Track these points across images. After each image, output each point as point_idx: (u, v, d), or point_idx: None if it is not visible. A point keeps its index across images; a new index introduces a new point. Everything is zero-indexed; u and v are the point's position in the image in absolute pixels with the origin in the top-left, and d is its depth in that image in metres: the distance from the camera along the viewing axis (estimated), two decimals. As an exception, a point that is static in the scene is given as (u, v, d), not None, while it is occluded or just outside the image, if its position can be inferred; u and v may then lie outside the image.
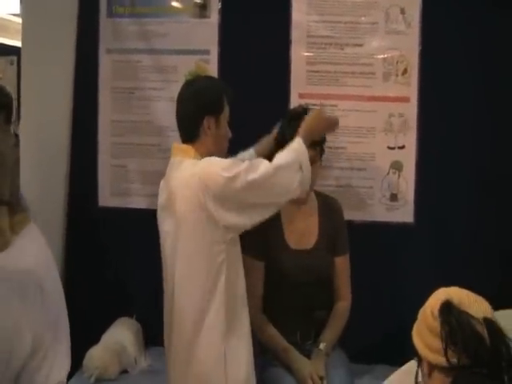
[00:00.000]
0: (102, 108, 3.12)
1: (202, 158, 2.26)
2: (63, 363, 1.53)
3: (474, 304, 1.43)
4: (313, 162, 2.43)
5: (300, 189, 2.25)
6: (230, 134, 2.40)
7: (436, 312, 1.44)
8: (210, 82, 2.46)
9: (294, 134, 2.37)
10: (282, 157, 2.26)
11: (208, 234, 2.19)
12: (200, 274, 2.21)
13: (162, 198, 2.37)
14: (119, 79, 3.10)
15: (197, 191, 2.18)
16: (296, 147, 2.28)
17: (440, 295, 1.48)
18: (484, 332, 1.35)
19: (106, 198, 3.13)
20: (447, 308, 1.43)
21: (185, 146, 2.32)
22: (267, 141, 2.66)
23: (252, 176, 2.17)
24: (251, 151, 2.64)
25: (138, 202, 3.10)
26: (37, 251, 1.58)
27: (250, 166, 2.19)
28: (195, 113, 2.30)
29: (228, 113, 2.37)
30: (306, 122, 2.39)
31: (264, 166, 2.21)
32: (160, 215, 2.37)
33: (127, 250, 3.06)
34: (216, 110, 2.33)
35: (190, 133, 2.32)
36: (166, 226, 2.32)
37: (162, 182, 2.41)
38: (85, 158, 3.12)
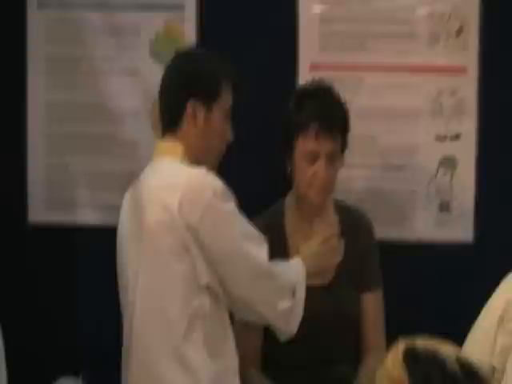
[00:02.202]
0: (31, 85, 2.95)
1: (189, 160, 2.22)
2: None
3: (440, 345, 1.43)
4: (331, 159, 2.37)
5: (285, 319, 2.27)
6: (228, 136, 2.30)
7: (399, 364, 1.42)
8: (207, 57, 2.38)
9: (304, 123, 2.36)
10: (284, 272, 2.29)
11: (184, 266, 2.12)
12: (169, 321, 2.13)
13: (125, 216, 2.31)
14: (57, 45, 2.94)
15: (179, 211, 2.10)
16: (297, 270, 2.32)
17: (399, 346, 1.46)
18: (459, 372, 1.36)
19: (39, 211, 2.97)
20: (413, 354, 1.42)
21: (170, 144, 2.27)
22: None
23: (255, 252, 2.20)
24: None
25: (86, 217, 2.97)
26: None
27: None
28: (178, 93, 2.27)
29: (227, 105, 2.27)
30: (313, 254, 2.39)
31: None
32: (121, 240, 2.31)
33: (70, 284, 2.95)
34: (207, 93, 2.25)
35: (170, 118, 2.28)
36: (130, 254, 2.25)
37: (127, 193, 2.34)
38: (8, 156, 2.96)
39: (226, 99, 2.27)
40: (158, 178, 2.24)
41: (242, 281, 2.17)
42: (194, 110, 2.21)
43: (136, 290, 2.20)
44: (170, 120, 2.28)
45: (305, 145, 2.38)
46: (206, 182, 2.14)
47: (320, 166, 2.36)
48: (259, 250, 2.21)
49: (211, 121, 2.25)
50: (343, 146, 2.43)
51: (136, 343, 2.20)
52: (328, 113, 2.39)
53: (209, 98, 2.23)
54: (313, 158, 2.36)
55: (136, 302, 2.19)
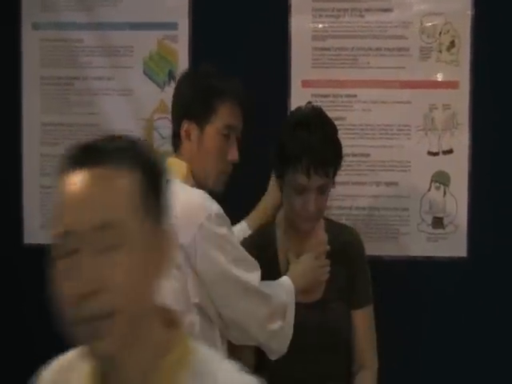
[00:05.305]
0: (26, 106, 3.01)
1: (194, 179, 2.27)
2: None
3: None
4: (321, 192, 2.39)
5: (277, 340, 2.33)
6: (230, 156, 2.33)
7: None
8: (207, 76, 2.39)
9: (295, 156, 2.32)
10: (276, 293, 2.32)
11: (175, 284, 2.13)
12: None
13: None
14: (51, 65, 3.00)
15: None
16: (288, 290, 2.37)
17: None
18: None
19: (35, 232, 3.01)
20: None
21: (176, 161, 2.29)
22: (259, 212, 2.68)
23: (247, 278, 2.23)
24: (244, 225, 2.62)
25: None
26: None
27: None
28: (176, 112, 2.36)
29: (224, 124, 2.29)
30: (302, 271, 2.46)
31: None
32: None
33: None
34: (198, 113, 2.28)
35: (173, 137, 2.35)
36: None
37: None
38: (3, 177, 3.02)
39: (223, 119, 2.28)
40: None
41: (232, 303, 2.21)
42: (187, 129, 2.27)
43: None
44: (173, 138, 2.36)
45: (295, 178, 2.38)
46: (201, 204, 2.17)
47: (309, 199, 2.37)
48: (250, 274, 2.23)
49: (205, 140, 2.29)
50: (334, 175, 2.45)
51: None
52: (320, 149, 2.38)
53: (201, 117, 2.27)
54: (303, 191, 2.38)
55: None
